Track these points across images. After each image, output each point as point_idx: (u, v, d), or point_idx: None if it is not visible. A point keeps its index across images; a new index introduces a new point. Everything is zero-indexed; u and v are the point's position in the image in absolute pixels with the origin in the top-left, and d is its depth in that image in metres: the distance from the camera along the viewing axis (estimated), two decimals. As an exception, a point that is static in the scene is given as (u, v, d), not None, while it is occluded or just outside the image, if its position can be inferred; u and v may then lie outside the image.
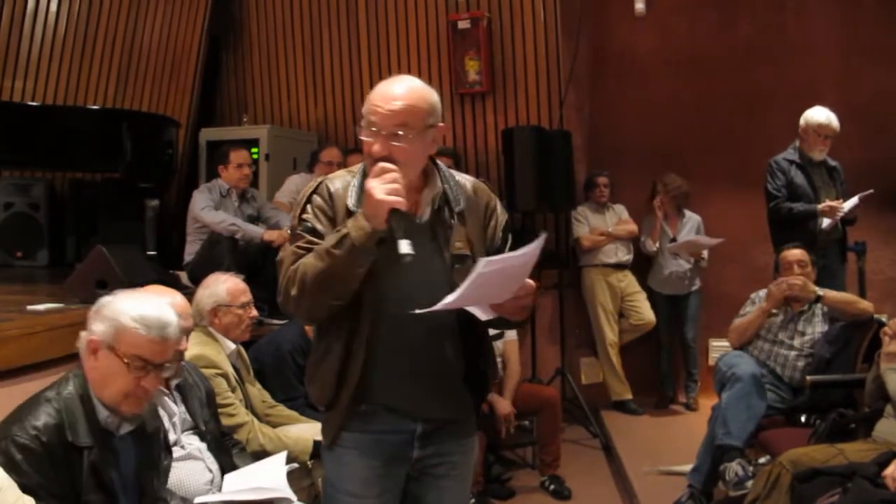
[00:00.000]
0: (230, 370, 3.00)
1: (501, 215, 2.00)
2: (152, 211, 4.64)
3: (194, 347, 2.92)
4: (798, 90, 5.33)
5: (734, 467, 3.31)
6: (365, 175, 1.85)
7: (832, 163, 4.52)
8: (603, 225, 5.47)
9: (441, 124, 1.87)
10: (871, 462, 2.53)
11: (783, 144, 4.58)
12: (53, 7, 5.80)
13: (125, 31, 6.01)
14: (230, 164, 4.71)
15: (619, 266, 5.46)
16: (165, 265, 4.60)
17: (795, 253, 3.80)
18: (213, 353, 2.96)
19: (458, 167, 5.36)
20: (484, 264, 1.60)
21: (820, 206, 4.28)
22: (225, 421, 2.82)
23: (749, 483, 3.15)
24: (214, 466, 2.54)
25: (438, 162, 1.94)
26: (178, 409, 2.53)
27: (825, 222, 4.30)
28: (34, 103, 5.69)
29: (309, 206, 1.85)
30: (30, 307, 3.30)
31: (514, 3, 5.70)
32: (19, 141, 5.19)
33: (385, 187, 1.67)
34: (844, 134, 4.62)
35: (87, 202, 5.74)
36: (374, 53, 6.02)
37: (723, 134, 5.75)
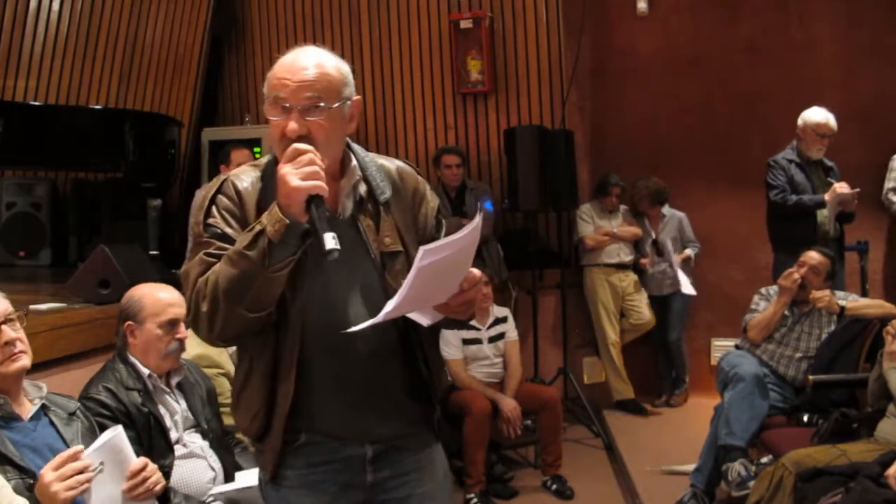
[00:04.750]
0: (232, 370, 3.00)
1: (432, 200, 1.77)
2: (155, 210, 4.64)
3: (196, 347, 2.92)
4: (800, 90, 5.33)
5: (736, 467, 3.31)
6: (275, 165, 1.57)
7: (829, 163, 4.56)
8: (607, 225, 5.47)
9: (357, 97, 1.64)
10: (874, 462, 2.53)
11: (785, 144, 4.60)
12: (56, 6, 5.80)
13: (127, 31, 6.02)
14: (231, 164, 4.71)
15: (621, 266, 5.46)
16: (168, 265, 4.59)
17: (815, 256, 3.74)
18: (216, 352, 2.96)
19: (465, 166, 5.39)
20: (422, 254, 1.38)
21: (827, 195, 4.29)
22: (227, 420, 2.82)
23: (751, 483, 3.14)
24: (217, 465, 2.54)
25: (353, 145, 1.70)
26: (180, 408, 2.54)
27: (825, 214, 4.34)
28: (36, 103, 5.69)
29: (214, 209, 1.59)
30: (32, 307, 3.29)
31: (517, 3, 5.71)
32: (22, 140, 5.19)
33: (301, 171, 1.43)
34: (846, 134, 4.63)
35: (90, 202, 5.73)
36: (375, 53, 6.02)
37: (724, 134, 5.74)
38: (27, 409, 2.03)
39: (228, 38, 6.53)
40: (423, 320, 1.60)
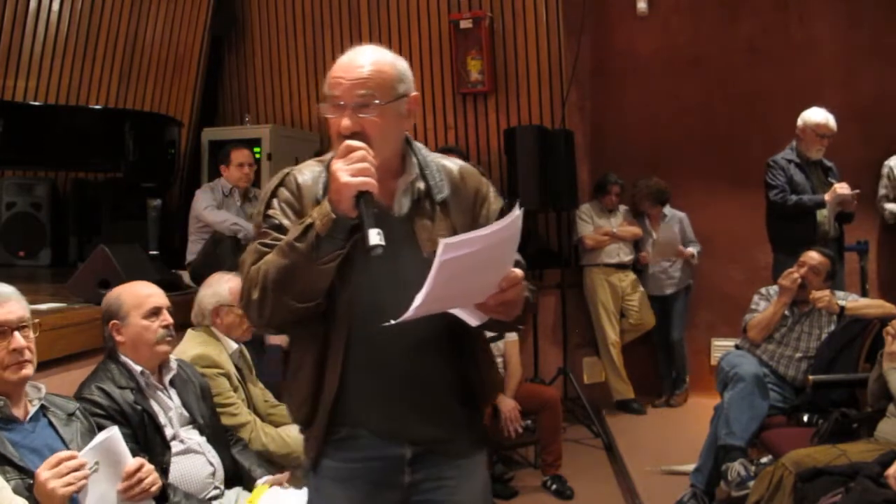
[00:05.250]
0: (232, 370, 3.00)
1: (495, 202, 1.72)
2: (155, 210, 4.65)
3: (196, 347, 2.93)
4: (800, 90, 5.32)
5: (736, 467, 3.31)
6: None
7: (828, 163, 4.56)
8: (607, 225, 5.47)
9: (414, 93, 1.64)
10: (874, 462, 2.53)
11: (785, 144, 4.59)
12: (56, 6, 5.80)
13: (127, 31, 6.02)
14: (231, 164, 4.73)
15: (621, 266, 5.46)
16: (168, 265, 4.60)
17: (815, 256, 3.73)
18: (215, 352, 2.96)
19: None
20: (443, 248, 1.33)
21: (827, 196, 4.30)
22: (227, 420, 2.82)
23: (751, 483, 3.14)
24: (216, 460, 2.55)
25: (415, 143, 1.70)
26: (174, 404, 2.54)
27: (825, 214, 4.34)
28: (36, 103, 5.69)
29: (275, 201, 1.63)
30: (32, 307, 3.28)
31: (517, 3, 5.71)
32: (22, 140, 5.19)
33: (351, 168, 1.46)
34: (846, 134, 4.63)
35: (90, 202, 5.73)
36: (376, 53, 6.02)
37: (724, 134, 5.74)
38: (26, 410, 2.03)
39: (228, 38, 6.53)
40: (471, 320, 1.55)
